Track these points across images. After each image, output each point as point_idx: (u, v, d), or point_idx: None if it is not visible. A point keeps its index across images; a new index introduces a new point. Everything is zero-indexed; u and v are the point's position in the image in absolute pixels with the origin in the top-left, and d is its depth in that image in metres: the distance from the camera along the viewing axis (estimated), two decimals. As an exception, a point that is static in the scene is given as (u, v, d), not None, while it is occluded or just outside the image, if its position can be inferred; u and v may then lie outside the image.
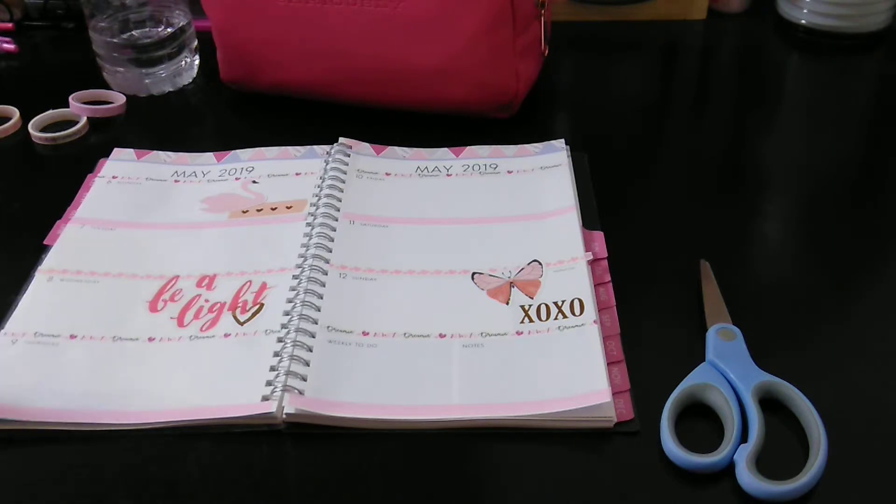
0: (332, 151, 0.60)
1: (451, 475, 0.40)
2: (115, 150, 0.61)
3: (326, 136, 0.61)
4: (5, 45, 0.77)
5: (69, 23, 0.80)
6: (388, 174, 0.58)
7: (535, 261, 0.51)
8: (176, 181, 0.58)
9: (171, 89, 0.70)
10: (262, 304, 0.48)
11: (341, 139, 0.61)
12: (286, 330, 0.46)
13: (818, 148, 0.64)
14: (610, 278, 0.50)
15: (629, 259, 0.51)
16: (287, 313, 0.47)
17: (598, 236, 0.52)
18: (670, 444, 0.40)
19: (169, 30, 0.69)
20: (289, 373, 0.43)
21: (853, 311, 0.49)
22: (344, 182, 0.57)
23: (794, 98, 0.72)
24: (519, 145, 0.61)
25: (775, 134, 0.65)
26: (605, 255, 0.51)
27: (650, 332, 0.47)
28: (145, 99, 0.69)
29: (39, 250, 0.52)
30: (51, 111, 0.66)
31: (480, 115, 0.64)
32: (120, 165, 0.60)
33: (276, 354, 0.45)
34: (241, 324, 0.47)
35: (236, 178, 0.58)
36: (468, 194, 0.56)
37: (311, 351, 0.45)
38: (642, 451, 0.40)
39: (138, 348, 0.46)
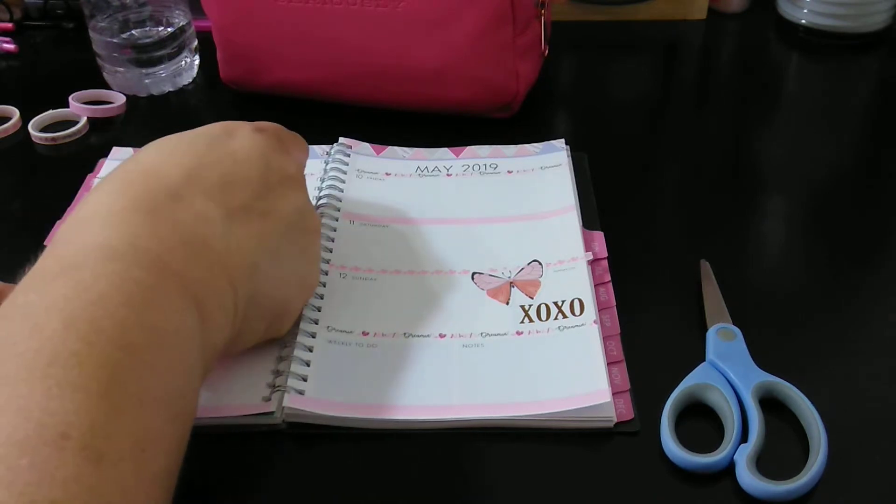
0: (332, 151, 0.60)
1: (451, 475, 0.40)
2: (115, 149, 0.61)
3: (326, 136, 0.61)
4: (5, 45, 0.77)
5: (69, 23, 0.80)
6: (388, 174, 0.58)
7: (535, 261, 0.51)
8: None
9: (171, 89, 0.70)
10: None
11: (341, 139, 0.61)
12: (287, 332, 0.46)
13: (818, 148, 0.64)
14: (610, 278, 0.49)
15: (629, 259, 0.51)
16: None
17: (598, 236, 0.52)
18: (670, 444, 0.40)
19: (169, 30, 0.69)
20: (289, 373, 0.43)
21: (854, 311, 0.49)
22: (344, 182, 0.57)
23: (794, 98, 0.72)
24: (519, 145, 0.61)
25: (775, 134, 0.65)
26: (605, 255, 0.51)
27: (650, 332, 0.47)
28: (145, 99, 0.69)
29: (39, 250, 0.52)
30: (51, 111, 0.66)
31: (480, 115, 0.64)
32: (120, 165, 0.60)
33: (277, 357, 0.45)
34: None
35: (236, 178, 0.58)
36: (468, 194, 0.56)
37: (311, 351, 0.45)
38: (642, 451, 0.41)
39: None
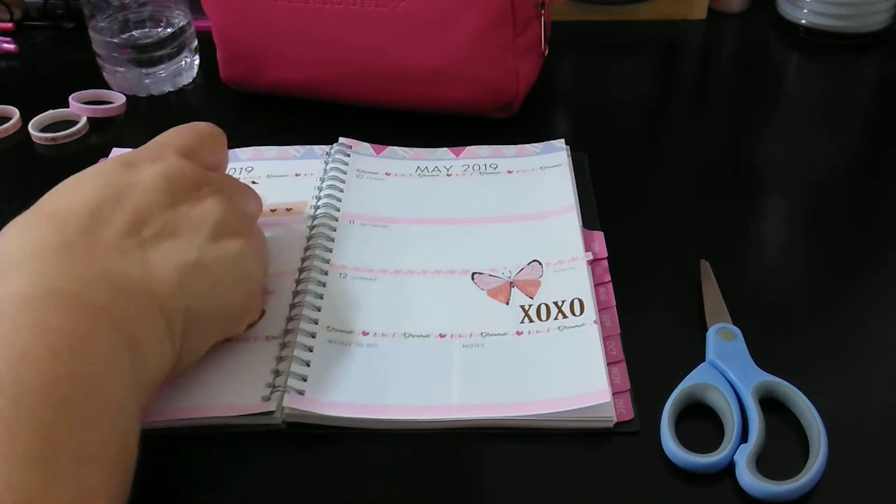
0: (332, 151, 0.60)
1: (451, 475, 0.40)
2: (115, 150, 0.61)
3: (326, 136, 0.61)
4: (5, 45, 0.77)
5: (69, 23, 0.80)
6: (388, 174, 0.58)
7: (535, 261, 0.51)
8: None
9: (171, 89, 0.70)
10: (263, 311, 0.47)
11: (341, 139, 0.61)
12: (287, 332, 0.46)
13: (818, 148, 0.64)
14: (610, 278, 0.49)
15: (629, 259, 0.51)
16: (288, 318, 0.47)
17: (598, 236, 0.52)
18: (670, 444, 0.40)
19: (169, 30, 0.69)
20: (289, 373, 0.43)
21: (854, 311, 0.49)
22: (344, 182, 0.57)
23: (794, 98, 0.72)
24: (519, 145, 0.61)
25: (775, 134, 0.65)
26: (605, 255, 0.51)
27: (650, 332, 0.47)
28: (145, 99, 0.69)
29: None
30: (51, 111, 0.66)
31: (480, 115, 0.64)
32: (120, 165, 0.60)
33: (277, 357, 0.45)
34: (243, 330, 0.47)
35: (236, 179, 0.58)
36: (468, 194, 0.56)
37: (310, 351, 0.45)
38: (642, 451, 0.41)
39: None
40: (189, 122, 0.47)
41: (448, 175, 0.58)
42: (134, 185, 0.40)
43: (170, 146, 0.44)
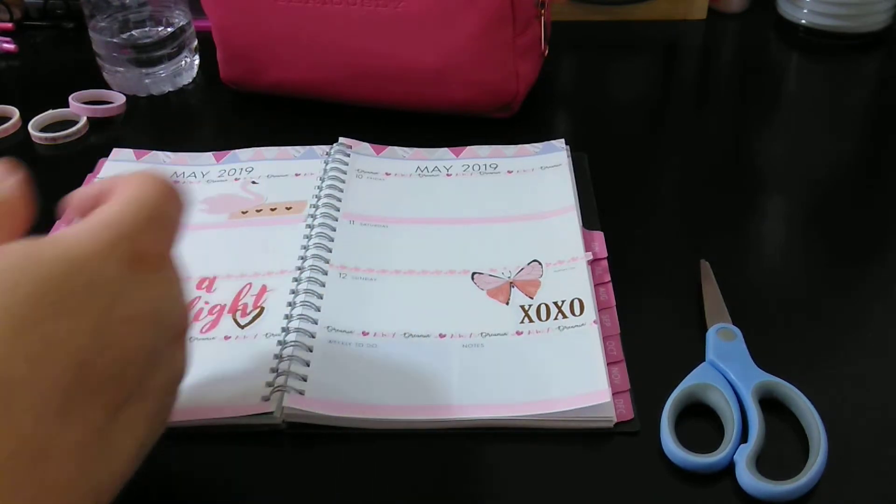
0: (332, 151, 0.60)
1: (451, 475, 0.40)
2: (115, 150, 0.61)
3: (326, 136, 0.61)
4: (5, 45, 0.77)
5: (69, 23, 0.80)
6: (388, 174, 0.58)
7: (535, 261, 0.51)
8: (175, 182, 0.58)
9: (171, 89, 0.70)
10: (262, 308, 0.48)
11: (341, 139, 0.61)
12: (286, 332, 0.46)
13: (818, 148, 0.64)
14: (610, 278, 0.49)
15: (629, 259, 0.51)
16: (287, 316, 0.47)
17: (598, 236, 0.52)
18: (670, 444, 0.40)
19: (169, 30, 0.69)
20: (289, 373, 0.43)
21: (854, 311, 0.49)
22: (344, 182, 0.57)
23: (794, 98, 0.72)
24: (519, 145, 0.61)
25: (775, 134, 0.65)
26: (605, 255, 0.51)
27: (650, 332, 0.47)
28: (145, 99, 0.69)
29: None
30: (51, 111, 0.66)
31: (480, 115, 0.64)
32: (119, 166, 0.60)
33: (277, 357, 0.44)
34: (242, 327, 0.47)
35: (236, 179, 0.58)
36: (468, 194, 0.56)
37: (311, 351, 0.45)
38: (642, 451, 0.40)
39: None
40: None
41: (448, 175, 0.58)
42: (130, 319, 0.31)
43: (168, 242, 0.36)
